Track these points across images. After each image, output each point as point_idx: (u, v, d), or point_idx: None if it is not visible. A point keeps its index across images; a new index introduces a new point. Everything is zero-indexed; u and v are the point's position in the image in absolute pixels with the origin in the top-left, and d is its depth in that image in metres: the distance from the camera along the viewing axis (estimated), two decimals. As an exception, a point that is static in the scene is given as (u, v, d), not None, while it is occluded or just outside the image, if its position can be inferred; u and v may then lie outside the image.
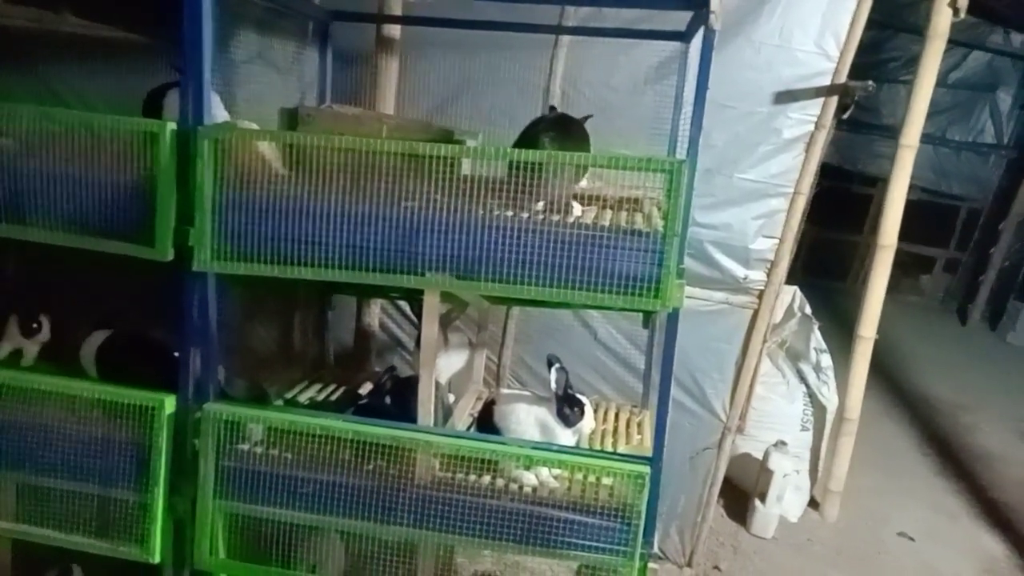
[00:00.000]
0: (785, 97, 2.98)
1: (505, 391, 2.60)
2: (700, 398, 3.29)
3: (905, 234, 3.82)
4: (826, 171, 4.56)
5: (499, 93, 3.06)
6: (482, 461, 2.13)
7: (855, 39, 2.91)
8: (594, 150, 2.28)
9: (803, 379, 4.12)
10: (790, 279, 3.46)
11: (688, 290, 2.12)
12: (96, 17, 2.92)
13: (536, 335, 3.36)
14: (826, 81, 2.96)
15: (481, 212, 1.94)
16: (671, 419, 2.13)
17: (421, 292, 2.13)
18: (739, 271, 3.13)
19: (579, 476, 2.22)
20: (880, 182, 7.70)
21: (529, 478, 2.19)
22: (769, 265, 3.13)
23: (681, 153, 2.24)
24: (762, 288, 3.16)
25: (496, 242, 1.93)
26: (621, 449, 2.53)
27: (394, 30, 2.97)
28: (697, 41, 2.22)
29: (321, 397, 2.84)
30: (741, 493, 3.99)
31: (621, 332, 3.28)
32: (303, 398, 2.81)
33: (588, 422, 2.29)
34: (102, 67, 3.02)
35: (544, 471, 2.21)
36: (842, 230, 8.86)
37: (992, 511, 4.42)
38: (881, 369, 5.68)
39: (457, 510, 2.10)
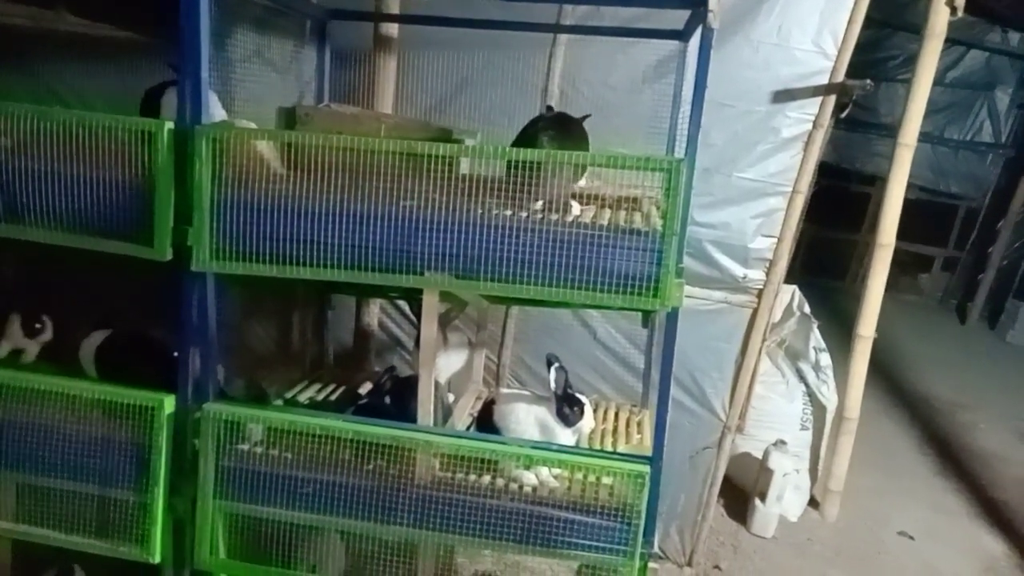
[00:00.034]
0: (783, 96, 2.98)
1: (505, 391, 2.60)
2: (700, 397, 3.29)
3: (904, 233, 3.82)
4: (824, 170, 4.56)
5: (497, 92, 3.06)
6: (482, 461, 2.13)
7: (853, 38, 2.91)
8: (593, 149, 2.28)
9: (802, 378, 4.12)
10: (789, 278, 3.46)
11: (687, 289, 2.12)
12: (93, 16, 2.92)
13: (535, 334, 3.36)
14: (824, 80, 2.96)
15: (480, 211, 1.94)
16: (671, 418, 2.13)
17: (420, 292, 2.12)
18: (738, 270, 3.13)
19: (579, 476, 2.22)
20: (878, 181, 7.72)
21: (529, 478, 2.19)
22: (768, 264, 3.13)
23: (680, 152, 2.24)
24: (761, 287, 3.16)
25: (495, 241, 1.92)
26: (621, 449, 2.53)
27: (392, 29, 2.97)
28: (695, 40, 2.22)
29: (321, 397, 2.84)
30: (741, 492, 3.99)
31: (620, 331, 3.28)
32: (303, 398, 2.81)
33: (588, 422, 2.29)
34: (100, 66, 3.02)
35: (544, 471, 2.21)
36: (840, 229, 8.87)
37: (992, 510, 4.42)
38: (880, 368, 5.68)
39: (457, 510, 2.10)
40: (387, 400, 2.38)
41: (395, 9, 2.92)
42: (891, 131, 4.33)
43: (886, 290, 3.81)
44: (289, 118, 2.32)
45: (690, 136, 1.97)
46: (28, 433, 2.22)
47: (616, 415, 2.84)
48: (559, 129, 2.21)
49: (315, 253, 1.98)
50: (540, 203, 2.02)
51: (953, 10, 3.35)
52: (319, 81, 2.95)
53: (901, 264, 7.32)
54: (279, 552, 2.22)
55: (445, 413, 2.50)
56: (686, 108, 2.15)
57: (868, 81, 2.88)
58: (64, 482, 2.23)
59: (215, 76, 2.09)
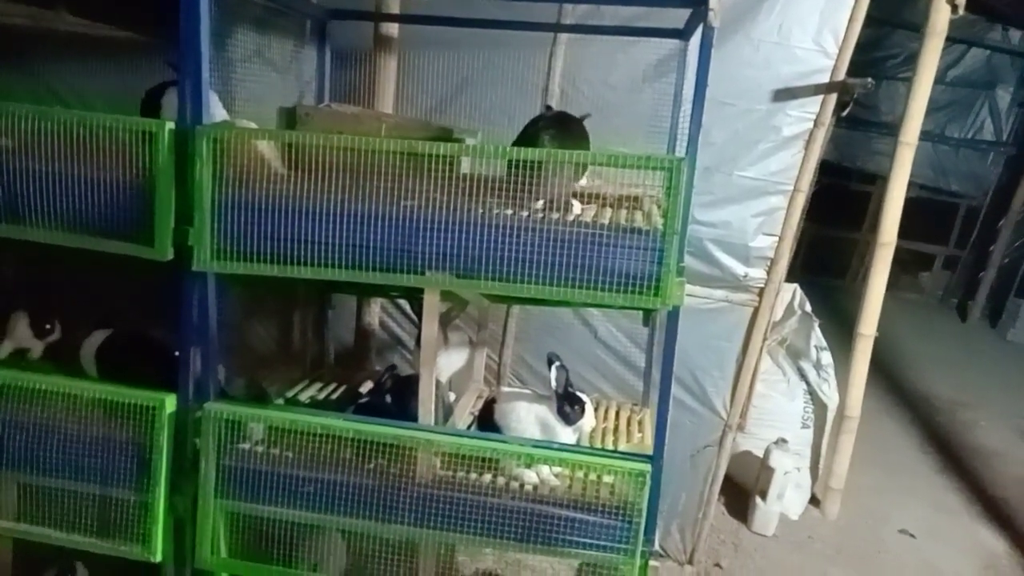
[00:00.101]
0: (784, 94, 2.98)
1: (505, 389, 2.60)
2: (701, 396, 3.29)
3: (904, 231, 3.81)
4: (825, 168, 4.55)
5: (498, 92, 3.06)
6: (483, 459, 2.13)
7: (854, 36, 2.91)
8: (593, 148, 2.28)
9: (803, 377, 4.12)
10: (790, 277, 3.46)
11: (688, 288, 2.12)
12: (92, 15, 2.92)
13: (536, 333, 3.36)
14: (825, 78, 2.96)
15: (481, 211, 1.94)
16: (672, 417, 2.13)
17: (421, 291, 2.13)
18: (739, 269, 3.13)
19: (580, 474, 2.22)
20: (879, 179, 7.71)
21: (530, 476, 2.19)
22: (769, 263, 3.13)
23: (680, 151, 2.24)
24: (762, 286, 3.16)
25: (496, 240, 1.93)
26: (622, 447, 2.53)
27: (392, 28, 2.97)
28: (696, 39, 2.22)
29: (321, 396, 2.84)
30: (742, 491, 3.99)
31: (621, 330, 3.28)
32: (303, 397, 2.81)
33: (589, 420, 2.29)
34: (100, 66, 3.02)
35: (545, 469, 2.21)
36: (841, 228, 8.86)
37: (992, 508, 4.42)
38: (881, 367, 5.68)
39: (458, 508, 2.10)
40: (388, 399, 2.38)
41: (395, 9, 2.92)
42: (892, 129, 4.33)
43: (887, 289, 3.80)
44: (289, 118, 2.32)
45: (691, 135, 1.97)
46: (30, 432, 2.22)
47: (617, 414, 2.84)
48: (560, 128, 2.21)
49: (316, 253, 1.98)
50: (541, 202, 2.02)
51: (954, 8, 3.35)
52: (319, 81, 2.95)
53: (902, 263, 7.30)
54: (280, 551, 2.22)
55: (446, 412, 2.50)
56: (687, 107, 2.15)
57: (869, 79, 2.88)
58: (65, 481, 2.24)
59: (215, 76, 2.10)
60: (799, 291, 4.26)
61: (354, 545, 2.31)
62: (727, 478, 3.49)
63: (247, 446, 2.21)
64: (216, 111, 2.13)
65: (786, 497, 3.82)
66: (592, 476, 2.21)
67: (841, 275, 9.10)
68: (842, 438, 4.00)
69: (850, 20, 2.90)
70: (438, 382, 2.32)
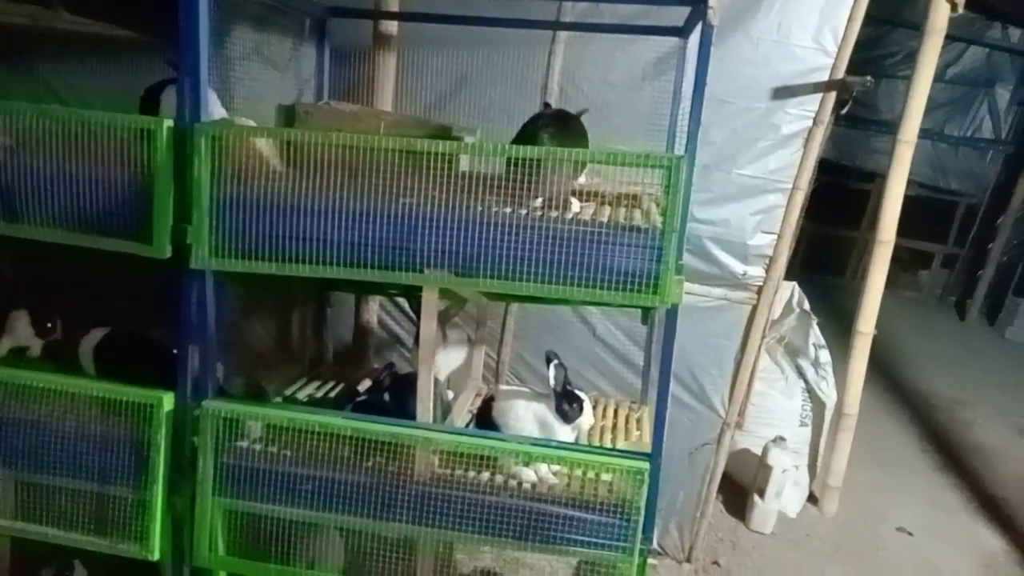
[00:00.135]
0: (783, 93, 2.98)
1: (504, 387, 2.60)
2: (699, 394, 3.29)
3: (903, 230, 3.82)
4: (824, 167, 4.55)
5: (497, 90, 3.05)
6: (481, 457, 2.13)
7: (853, 34, 2.91)
8: (592, 146, 2.28)
9: (802, 375, 4.12)
10: (789, 275, 3.46)
11: (687, 286, 2.12)
12: (91, 14, 2.92)
13: (535, 331, 3.36)
14: (824, 77, 2.95)
15: (479, 208, 1.94)
16: (670, 415, 2.14)
17: (420, 289, 2.12)
18: (738, 267, 3.13)
19: (578, 472, 2.21)
20: (878, 178, 7.72)
21: (528, 474, 2.19)
22: (768, 261, 3.13)
23: (679, 149, 2.24)
24: (761, 284, 3.17)
25: (495, 238, 1.93)
26: (620, 445, 2.53)
27: (391, 26, 2.96)
28: (695, 37, 2.22)
29: (320, 394, 2.84)
30: (740, 489, 3.99)
31: (620, 328, 3.28)
32: (302, 395, 2.81)
33: (587, 418, 2.29)
34: (99, 64, 3.02)
35: (543, 467, 2.21)
36: (840, 226, 8.87)
37: (990, 506, 4.43)
38: (879, 365, 5.68)
39: (456, 506, 2.10)
40: (386, 397, 2.38)
41: (394, 7, 2.92)
42: (891, 128, 4.33)
43: (885, 287, 3.80)
44: (288, 116, 2.31)
45: (690, 133, 1.97)
46: (27, 430, 2.22)
47: (615, 412, 2.84)
48: (558, 126, 2.21)
49: (314, 250, 1.98)
50: (540, 200, 2.02)
51: (953, 6, 3.35)
52: (318, 79, 2.94)
53: (901, 261, 7.32)
54: (278, 549, 2.22)
55: (444, 410, 2.50)
56: (686, 105, 2.14)
57: (868, 78, 2.88)
58: (63, 479, 2.24)
59: (214, 74, 2.09)
60: (798, 289, 4.26)
61: (352, 543, 2.31)
62: (725, 476, 3.49)
63: (245, 444, 2.21)
64: (215, 109, 2.13)
65: (784, 495, 3.83)
66: (590, 474, 2.21)
67: (840, 273, 9.11)
68: (840, 436, 4.00)
69: (849, 18, 2.90)
70: (436, 380, 2.32)
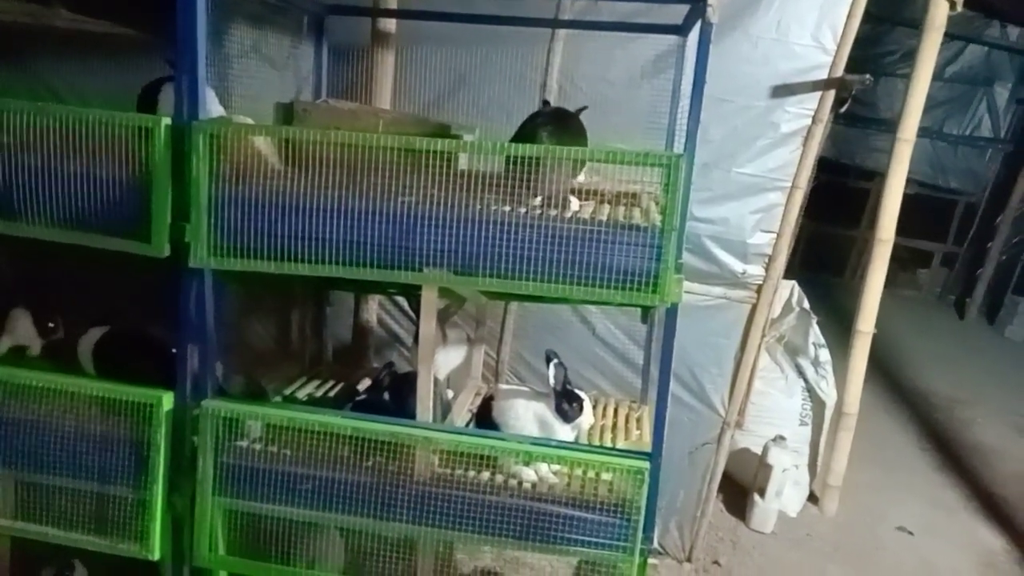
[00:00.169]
0: (782, 91, 2.98)
1: (504, 387, 2.60)
2: (699, 393, 3.29)
3: (902, 228, 3.81)
4: (823, 165, 4.55)
5: (495, 88, 3.05)
6: (481, 457, 2.12)
7: (852, 33, 2.91)
8: (591, 145, 2.27)
9: (802, 374, 4.12)
10: (788, 274, 3.46)
11: (686, 285, 2.12)
12: (89, 12, 2.91)
13: (534, 331, 3.35)
14: (823, 75, 2.95)
15: (478, 207, 1.94)
16: (670, 414, 2.13)
17: (419, 288, 2.12)
18: (737, 266, 3.13)
19: (578, 472, 2.21)
20: (877, 176, 7.71)
21: (528, 474, 2.19)
22: (767, 260, 3.13)
23: (678, 147, 2.24)
24: (760, 283, 3.16)
25: (494, 237, 1.92)
26: (620, 445, 2.53)
27: (390, 24, 2.96)
28: (694, 35, 2.21)
29: (319, 393, 2.84)
30: (740, 488, 3.99)
31: (620, 327, 3.28)
32: (301, 394, 2.81)
33: (587, 418, 2.29)
34: (96, 62, 3.01)
35: (543, 467, 2.20)
36: (839, 225, 8.87)
37: (990, 505, 4.43)
38: (879, 364, 5.68)
39: (456, 506, 2.10)
40: (386, 396, 2.38)
41: (393, 4, 2.91)
42: (890, 126, 4.33)
43: (885, 286, 3.80)
44: (287, 114, 2.31)
45: (689, 131, 1.97)
46: (27, 430, 2.21)
47: (615, 411, 2.84)
48: (557, 124, 2.21)
49: (313, 249, 1.98)
50: (539, 199, 2.02)
51: (952, 5, 3.35)
52: (317, 77, 2.94)
53: (900, 260, 7.33)
54: (278, 548, 2.22)
55: (444, 409, 2.50)
56: (685, 103, 2.14)
57: (867, 76, 2.88)
58: (63, 479, 2.23)
59: (212, 72, 2.09)
60: (797, 288, 4.26)
61: (352, 543, 2.30)
62: (725, 475, 3.49)
63: (245, 443, 2.20)
64: (213, 107, 2.13)
65: (784, 494, 3.83)
66: (591, 473, 2.21)
67: (839, 272, 9.11)
68: (840, 435, 4.00)
69: (848, 16, 2.89)
70: (436, 379, 2.32)
